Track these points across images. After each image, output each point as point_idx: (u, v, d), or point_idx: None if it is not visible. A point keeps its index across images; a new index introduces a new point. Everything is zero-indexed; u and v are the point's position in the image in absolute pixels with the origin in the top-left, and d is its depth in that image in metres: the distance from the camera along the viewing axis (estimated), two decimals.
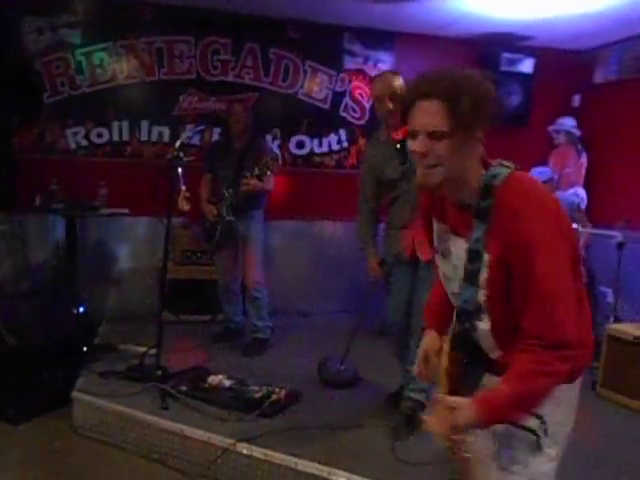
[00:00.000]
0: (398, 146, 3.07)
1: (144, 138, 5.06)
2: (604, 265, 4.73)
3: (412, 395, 3.14)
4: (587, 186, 5.38)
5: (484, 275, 1.45)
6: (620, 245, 4.21)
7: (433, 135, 1.40)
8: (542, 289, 1.35)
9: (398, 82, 3.07)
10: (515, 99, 5.61)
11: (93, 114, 4.95)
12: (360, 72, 5.46)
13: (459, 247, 1.53)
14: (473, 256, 1.46)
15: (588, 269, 4.73)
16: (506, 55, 5.50)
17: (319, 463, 2.68)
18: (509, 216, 1.38)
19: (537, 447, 1.50)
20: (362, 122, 5.50)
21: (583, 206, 5.09)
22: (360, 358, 3.86)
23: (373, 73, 5.44)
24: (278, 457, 2.74)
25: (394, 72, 3.22)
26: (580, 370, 1.54)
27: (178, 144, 3.60)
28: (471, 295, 1.49)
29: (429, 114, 1.40)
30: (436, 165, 1.42)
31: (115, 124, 5.00)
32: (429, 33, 5.43)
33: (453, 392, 1.55)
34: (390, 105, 3.04)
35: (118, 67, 4.96)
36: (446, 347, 1.65)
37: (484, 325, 1.52)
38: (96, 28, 4.89)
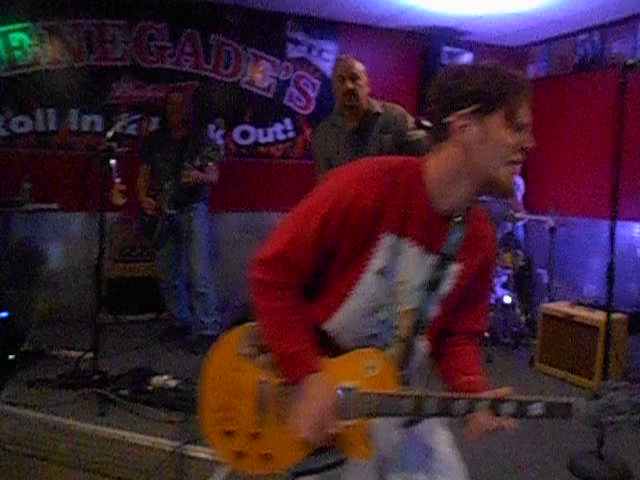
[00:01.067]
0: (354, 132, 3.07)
1: (74, 128, 4.70)
2: (539, 248, 5.18)
3: None
4: (523, 175, 5.51)
5: (446, 288, 1.35)
6: (552, 229, 4.52)
7: None
8: (482, 293, 1.49)
9: (359, 65, 3.09)
10: None
11: (13, 101, 4.54)
12: (304, 61, 5.33)
13: (420, 262, 1.32)
14: (444, 262, 1.33)
15: (525, 252, 5.04)
16: (447, 49, 5.57)
17: None
18: (488, 231, 1.41)
19: None
20: (308, 112, 5.37)
21: (520, 194, 5.29)
22: None
23: (317, 62, 5.33)
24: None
25: (355, 57, 3.19)
26: None
27: (111, 134, 3.36)
28: (431, 305, 1.36)
29: None
30: None
31: (39, 112, 4.62)
32: (372, 24, 5.41)
33: None
34: (350, 84, 3.03)
35: (40, 50, 4.58)
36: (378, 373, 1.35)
37: (421, 345, 1.40)
38: (13, 6, 4.48)
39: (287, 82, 5.28)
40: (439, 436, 1.48)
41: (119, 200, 3.72)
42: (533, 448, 2.92)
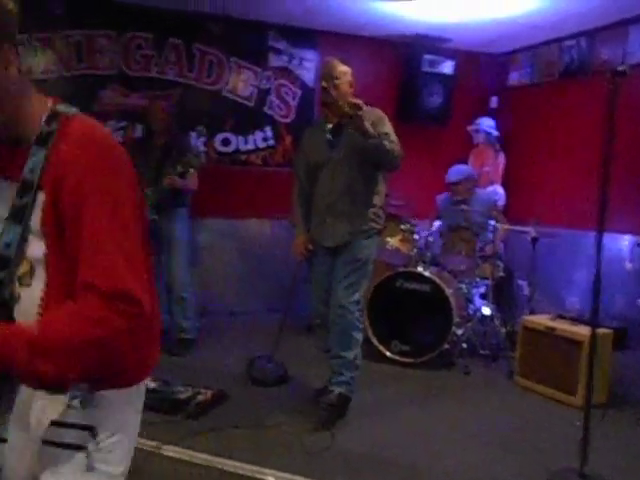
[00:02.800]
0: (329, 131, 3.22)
1: None
2: (520, 259, 4.95)
3: (334, 388, 3.21)
4: (504, 185, 5.64)
5: (37, 217, 1.14)
6: (534, 240, 4.38)
7: None
8: (94, 232, 1.12)
9: (341, 67, 3.22)
10: (437, 99, 5.79)
11: None
12: (285, 70, 5.48)
13: (5, 187, 1.19)
14: (25, 189, 1.15)
15: (506, 263, 4.93)
16: (427, 57, 5.65)
17: (246, 462, 2.68)
18: (76, 156, 1.14)
19: (88, 467, 1.21)
20: (288, 120, 5.52)
21: (501, 203, 5.31)
22: (289, 356, 3.90)
23: (298, 71, 5.49)
24: (204, 458, 2.73)
25: (342, 59, 3.32)
26: (145, 362, 1.28)
27: None
28: (15, 237, 1.15)
29: None
30: None
31: None
32: (352, 33, 5.51)
33: None
34: (324, 83, 3.15)
35: (34, 61, 4.76)
36: None
37: (33, 292, 1.16)
38: None
39: (268, 91, 5.43)
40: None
41: None
42: (513, 461, 2.87)
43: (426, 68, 5.65)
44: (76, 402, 1.17)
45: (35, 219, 1.15)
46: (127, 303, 1.09)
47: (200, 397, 3.24)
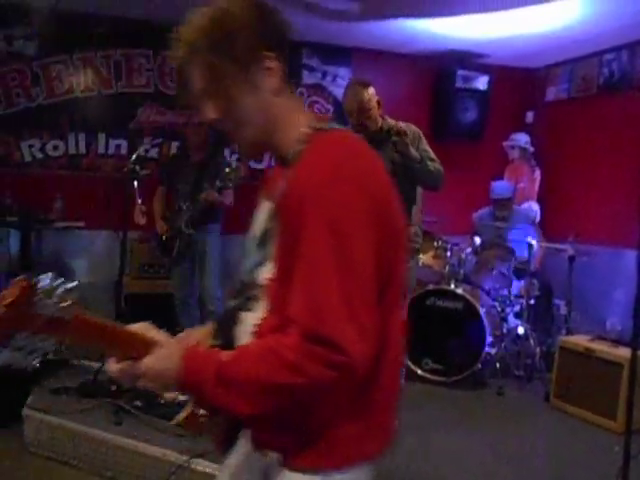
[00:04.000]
0: None
1: (101, 151, 5.02)
2: (557, 278, 4.83)
3: None
4: (540, 201, 5.54)
5: (273, 243, 1.10)
6: (571, 258, 4.28)
7: (198, 97, 1.15)
8: (310, 265, 1.00)
9: (367, 93, 3.14)
10: (471, 115, 5.75)
11: (49, 126, 4.90)
12: (319, 87, 5.53)
13: (262, 210, 1.21)
14: (273, 213, 1.12)
15: (543, 282, 4.84)
16: (461, 72, 5.63)
17: None
18: (298, 178, 1.05)
19: None
20: None
21: (537, 220, 5.22)
22: None
23: (331, 88, 5.53)
24: None
25: (364, 82, 3.23)
26: (366, 435, 1.09)
27: (134, 157, 3.61)
28: (256, 262, 1.15)
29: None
30: (236, 126, 1.14)
31: (71, 136, 4.95)
32: (386, 50, 5.54)
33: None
34: (355, 119, 3.12)
35: (75, 80, 4.93)
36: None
37: (254, 316, 1.12)
38: (53, 40, 4.84)
39: None
40: None
41: (140, 220, 3.99)
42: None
43: (460, 84, 5.63)
44: None
45: (271, 244, 1.10)
46: (327, 349, 0.94)
47: None
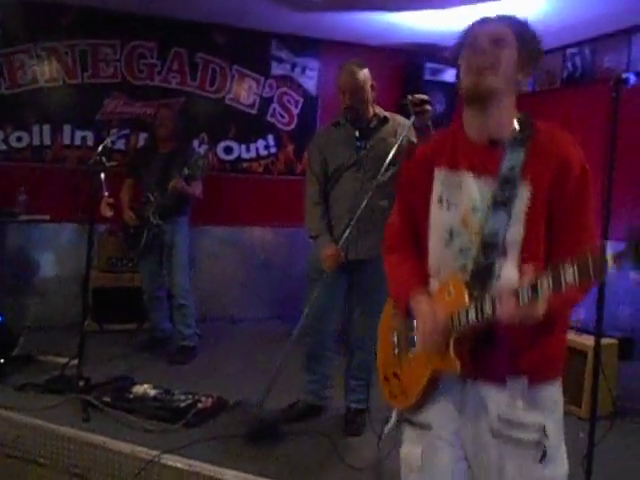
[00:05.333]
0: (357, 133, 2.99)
1: (66, 142, 4.91)
2: None
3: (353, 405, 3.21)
4: None
5: (521, 207, 1.38)
6: None
7: (498, 42, 1.44)
8: (590, 223, 1.42)
9: (361, 74, 3.03)
10: (439, 107, 5.78)
11: (12, 117, 4.76)
12: (288, 78, 5.50)
13: (479, 187, 1.45)
14: (505, 185, 1.39)
15: None
16: (430, 65, 5.64)
17: (247, 472, 2.66)
18: (556, 150, 1.41)
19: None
20: (290, 128, 5.53)
21: None
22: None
23: (300, 80, 5.51)
24: (203, 468, 2.70)
25: (359, 63, 3.12)
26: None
27: (100, 149, 3.54)
28: (501, 225, 1.38)
29: (495, 26, 1.48)
30: (494, 68, 1.42)
31: (36, 128, 4.83)
32: (355, 42, 5.53)
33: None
34: (348, 100, 3.00)
35: (39, 70, 4.79)
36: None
37: (509, 271, 1.39)
38: (16, 30, 4.71)
39: (271, 99, 5.45)
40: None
41: (107, 212, 3.92)
42: None
43: (428, 76, 5.66)
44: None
45: (518, 207, 1.38)
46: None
47: (200, 405, 3.22)
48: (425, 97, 2.82)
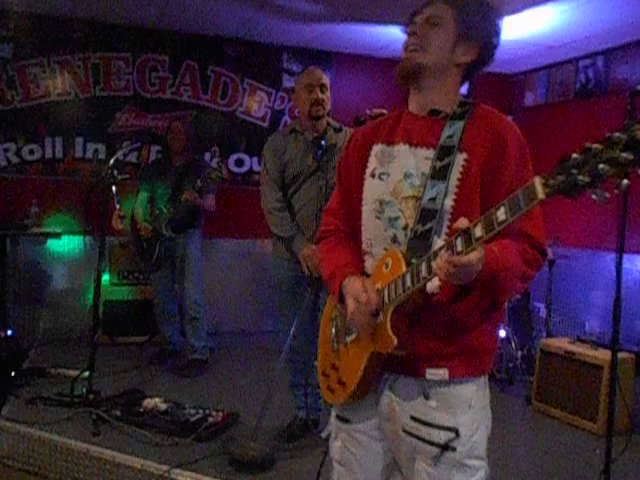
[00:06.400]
0: (315, 140, 2.97)
1: (79, 155, 4.94)
2: (537, 281, 4.75)
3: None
4: None
5: (456, 174, 1.40)
6: (550, 262, 4.29)
7: (430, 20, 1.46)
8: None
9: (327, 78, 3.05)
10: None
11: (25, 130, 4.81)
12: None
13: (414, 155, 1.47)
14: (444, 153, 1.42)
15: None
16: None
17: None
18: (495, 126, 1.44)
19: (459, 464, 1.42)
20: None
21: None
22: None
23: None
24: None
25: (320, 68, 3.15)
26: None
27: (112, 161, 3.55)
28: (438, 192, 1.39)
29: (433, 7, 1.48)
30: (422, 47, 1.45)
31: (48, 141, 4.87)
32: (365, 54, 5.55)
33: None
34: (319, 94, 2.98)
35: (52, 83, 4.85)
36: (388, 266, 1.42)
37: (442, 239, 1.39)
38: (29, 43, 4.77)
39: (282, 112, 5.46)
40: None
41: (119, 225, 3.93)
42: None
43: None
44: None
45: (454, 175, 1.39)
46: (543, 257, 1.42)
47: (211, 419, 3.19)
48: (384, 111, 2.81)
